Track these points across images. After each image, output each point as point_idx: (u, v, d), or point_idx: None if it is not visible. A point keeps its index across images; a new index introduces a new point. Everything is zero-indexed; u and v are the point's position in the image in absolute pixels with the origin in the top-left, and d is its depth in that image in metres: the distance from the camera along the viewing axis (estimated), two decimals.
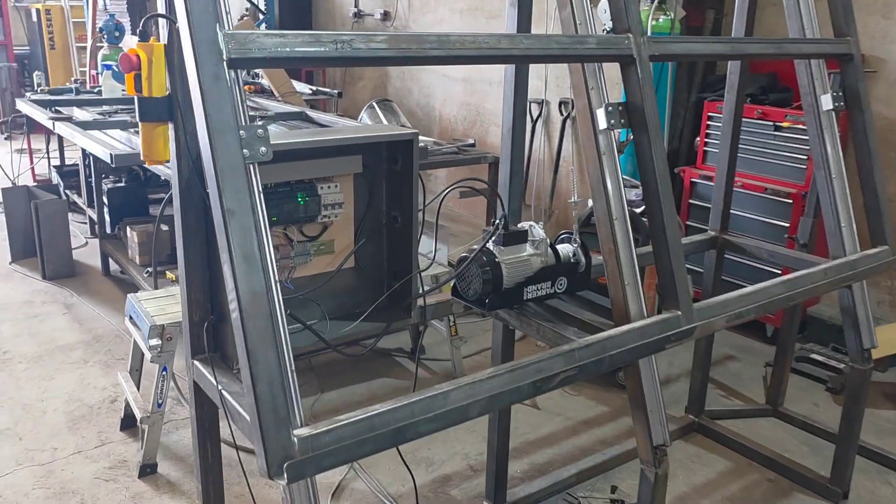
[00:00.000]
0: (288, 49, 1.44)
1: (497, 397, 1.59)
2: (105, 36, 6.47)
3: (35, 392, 3.53)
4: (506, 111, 2.32)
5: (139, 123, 1.69)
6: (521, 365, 1.67)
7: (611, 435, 3.34)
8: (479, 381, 1.59)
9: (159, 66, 1.65)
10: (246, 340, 1.34)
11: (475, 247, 2.24)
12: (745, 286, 3.85)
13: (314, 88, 6.81)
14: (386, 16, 7.44)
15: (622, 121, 2.00)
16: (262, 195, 1.45)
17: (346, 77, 8.14)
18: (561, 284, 2.32)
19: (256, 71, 6.77)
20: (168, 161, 1.74)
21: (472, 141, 4.43)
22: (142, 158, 1.72)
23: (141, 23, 1.65)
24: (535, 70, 5.35)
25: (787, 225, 4.05)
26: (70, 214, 6.22)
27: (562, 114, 5.64)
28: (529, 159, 5.85)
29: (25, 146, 7.21)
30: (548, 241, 2.31)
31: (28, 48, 10.45)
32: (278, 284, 1.46)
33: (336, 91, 6.74)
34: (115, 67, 5.48)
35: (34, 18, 10.05)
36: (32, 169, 6.99)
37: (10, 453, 3.04)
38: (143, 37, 1.64)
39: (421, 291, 2.22)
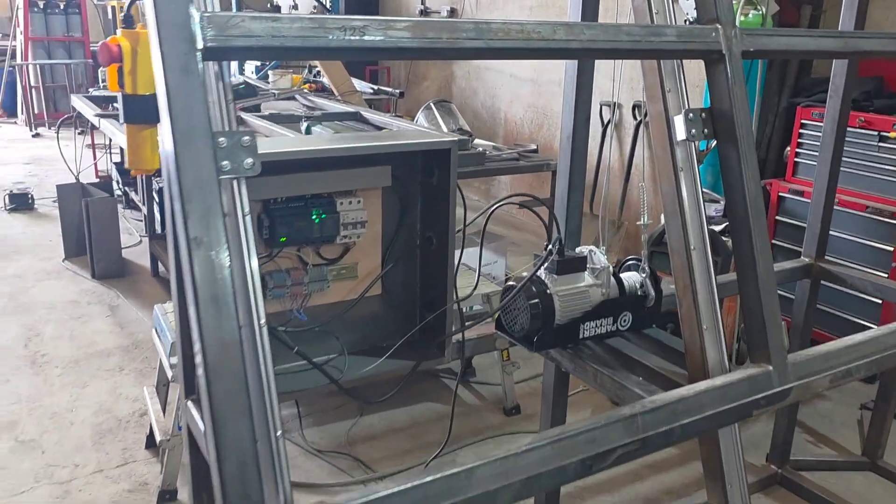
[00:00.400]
0: (283, 37, 1.15)
1: (535, 479, 1.26)
2: None
3: (66, 400, 3.39)
4: (566, 115, 1.99)
5: (123, 125, 1.44)
6: (568, 434, 1.34)
7: (679, 483, 2.96)
8: (512, 456, 1.27)
9: (146, 58, 1.40)
10: (211, 406, 1.06)
11: (525, 273, 1.92)
12: (839, 315, 3.35)
13: (376, 87, 6.58)
14: (453, 13, 7.17)
15: (705, 130, 1.64)
16: (247, 218, 1.17)
17: (410, 76, 7.90)
18: (625, 321, 1.98)
19: (318, 69, 6.59)
20: (157, 170, 1.48)
21: (534, 146, 4.10)
22: (126, 167, 1.47)
23: (126, 6, 1.40)
24: (606, 69, 4.98)
25: (892, 249, 3.56)
26: (128, 211, 6.20)
27: (635, 118, 5.24)
28: (598, 166, 5.46)
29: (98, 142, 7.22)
30: (610, 268, 1.97)
31: None
32: (263, 330, 1.17)
33: (398, 91, 6.49)
34: None
35: (110, 16, 10.22)
36: (95, 165, 7.00)
37: (29, 468, 2.88)
38: (128, 23, 1.39)
39: (459, 325, 1.91)
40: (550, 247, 1.89)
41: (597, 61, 2.07)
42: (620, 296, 1.97)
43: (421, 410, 3.41)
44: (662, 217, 3.26)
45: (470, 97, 7.10)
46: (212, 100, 1.17)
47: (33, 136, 9.44)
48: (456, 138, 1.69)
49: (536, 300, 1.85)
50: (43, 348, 3.89)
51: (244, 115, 4.20)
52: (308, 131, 3.54)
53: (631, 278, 2.01)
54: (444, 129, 4.20)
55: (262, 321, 1.18)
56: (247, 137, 1.15)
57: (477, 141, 4.17)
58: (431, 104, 4.39)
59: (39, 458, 2.95)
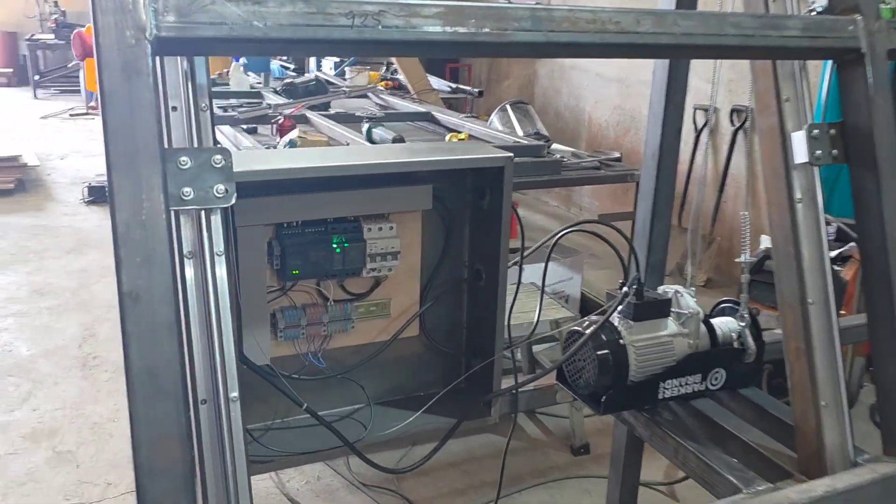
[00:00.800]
0: (267, 26, 0.87)
1: None
2: None
3: (109, 409, 3.25)
4: (652, 127, 1.64)
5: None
6: None
7: None
8: None
9: None
10: None
11: (594, 317, 1.59)
12: None
13: (453, 86, 6.30)
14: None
15: (834, 152, 1.28)
16: (220, 259, 0.90)
17: (491, 74, 7.59)
18: (716, 378, 1.62)
19: (394, 66, 6.37)
20: None
21: (617, 154, 3.73)
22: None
23: None
24: (702, 68, 4.54)
25: None
26: None
27: (733, 124, 4.76)
28: (689, 175, 5.01)
29: None
30: (701, 314, 1.62)
31: None
32: (234, 406, 0.90)
33: (477, 90, 6.19)
34: (243, 58, 5.24)
35: None
36: None
37: (61, 483, 2.74)
38: None
39: (514, 372, 1.60)
40: (626, 287, 1.55)
41: (692, 60, 1.72)
42: (712, 348, 1.62)
43: (479, 443, 3.10)
44: (764, 240, 2.80)
45: (553, 98, 6.73)
46: (178, 107, 0.91)
47: None
48: (510, 155, 1.38)
49: (606, 351, 1.52)
50: (96, 349, 3.79)
51: (309, 114, 4.00)
52: (369, 133, 3.29)
53: (726, 326, 1.65)
54: (520, 133, 3.87)
55: (234, 394, 0.91)
56: (218, 156, 0.87)
57: (555, 146, 3.82)
58: (507, 105, 4.07)
59: (73, 473, 2.80)
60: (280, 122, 3.69)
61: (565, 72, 6.56)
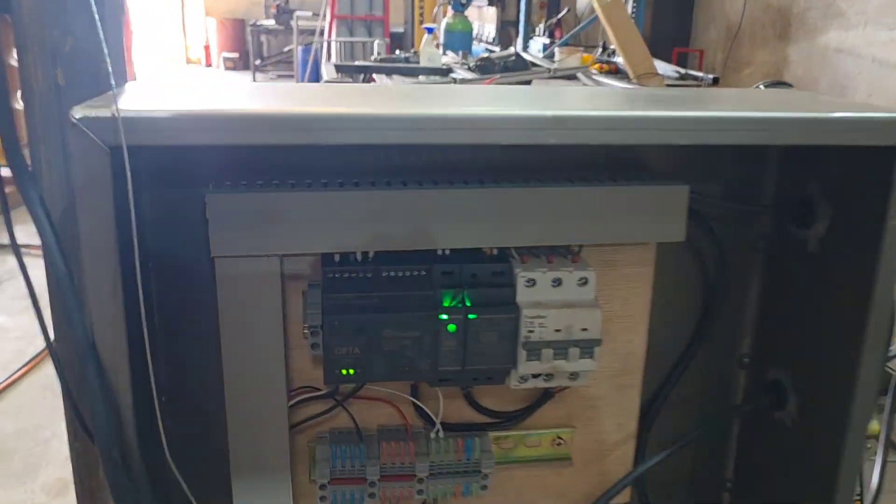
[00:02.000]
0: None
1: None
2: (451, 3, 5.78)
3: None
4: None
5: None
6: None
7: None
8: None
9: None
10: None
11: None
12: None
13: (682, 72, 5.26)
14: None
15: None
16: None
17: (728, 61, 6.41)
18: None
19: (612, 48, 5.48)
20: None
21: None
22: None
23: None
24: None
25: None
26: None
27: None
28: None
29: None
30: None
31: (403, 27, 10.61)
32: None
33: (711, 76, 5.11)
34: (436, 31, 4.63)
35: None
36: None
37: None
38: None
39: None
40: None
41: None
42: None
43: None
44: None
45: (809, 88, 5.46)
46: None
47: None
48: None
49: None
50: None
51: None
52: None
53: None
54: None
55: None
56: None
57: None
58: (761, 87, 3.05)
59: None
60: None
61: (828, 56, 5.26)
